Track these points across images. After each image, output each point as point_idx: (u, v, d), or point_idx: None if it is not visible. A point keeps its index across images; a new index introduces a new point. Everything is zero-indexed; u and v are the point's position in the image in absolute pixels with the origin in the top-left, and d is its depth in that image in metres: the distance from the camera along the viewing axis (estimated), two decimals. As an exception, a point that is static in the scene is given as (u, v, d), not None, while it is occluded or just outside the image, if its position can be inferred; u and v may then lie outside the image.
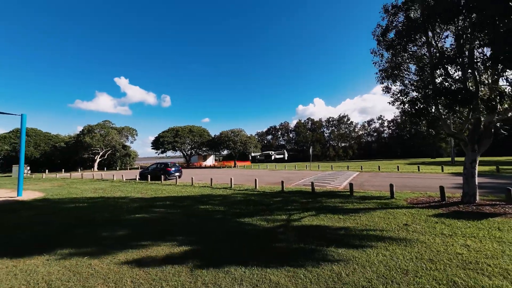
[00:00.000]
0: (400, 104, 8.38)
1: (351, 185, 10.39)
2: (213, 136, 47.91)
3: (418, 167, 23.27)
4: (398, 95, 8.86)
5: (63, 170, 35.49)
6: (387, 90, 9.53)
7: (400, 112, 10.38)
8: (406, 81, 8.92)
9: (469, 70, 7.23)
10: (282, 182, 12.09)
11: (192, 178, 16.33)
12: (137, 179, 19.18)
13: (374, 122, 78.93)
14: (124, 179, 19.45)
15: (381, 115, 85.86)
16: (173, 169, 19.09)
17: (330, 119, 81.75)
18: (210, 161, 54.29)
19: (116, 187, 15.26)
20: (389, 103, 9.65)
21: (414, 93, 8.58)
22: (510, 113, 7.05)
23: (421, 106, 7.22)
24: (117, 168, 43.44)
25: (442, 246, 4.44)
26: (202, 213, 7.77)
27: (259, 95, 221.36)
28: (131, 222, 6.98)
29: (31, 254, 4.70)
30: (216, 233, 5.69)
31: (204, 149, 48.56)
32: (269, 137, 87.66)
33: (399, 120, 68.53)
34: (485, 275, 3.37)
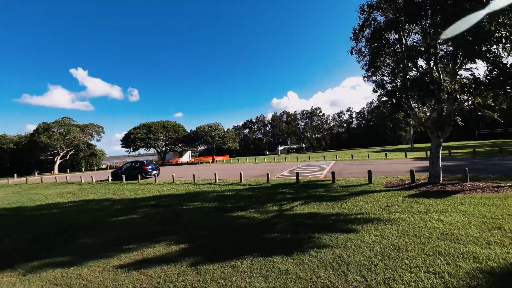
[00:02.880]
0: (379, 96, 9.06)
1: (333, 173, 10.97)
2: (189, 131, 46.21)
3: (386, 154, 25.49)
4: (380, 84, 9.57)
5: (15, 175, 31.22)
6: (368, 79, 10.20)
7: (379, 102, 11.34)
8: (386, 73, 9.62)
9: (433, 64, 8.05)
10: (268, 174, 12.27)
11: (173, 175, 15.66)
12: (110, 180, 17.76)
13: (344, 114, 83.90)
14: (94, 181, 17.86)
15: (349, 107, 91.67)
16: (150, 167, 18.05)
17: (304, 112, 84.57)
18: (187, 157, 52.50)
19: (86, 189, 13.96)
20: (373, 90, 10.39)
21: (390, 86, 9.31)
22: (466, 103, 8.04)
23: (398, 98, 7.86)
24: (82, 170, 39.58)
25: (422, 222, 4.98)
26: (191, 210, 7.54)
27: (233, 89, 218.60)
28: (115, 225, 6.49)
29: (0, 270, 4.11)
30: (211, 229, 5.59)
31: (180, 145, 46.69)
32: (246, 130, 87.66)
33: (366, 112, 73.84)
34: (461, 244, 3.89)
